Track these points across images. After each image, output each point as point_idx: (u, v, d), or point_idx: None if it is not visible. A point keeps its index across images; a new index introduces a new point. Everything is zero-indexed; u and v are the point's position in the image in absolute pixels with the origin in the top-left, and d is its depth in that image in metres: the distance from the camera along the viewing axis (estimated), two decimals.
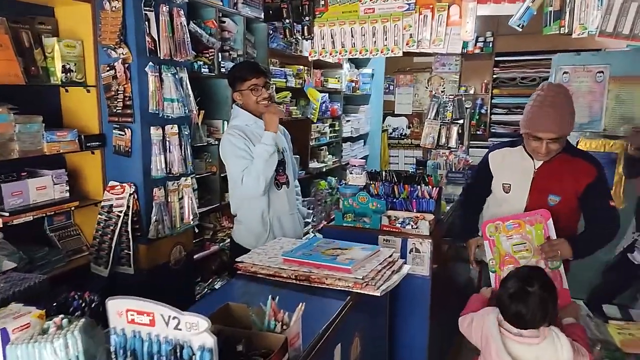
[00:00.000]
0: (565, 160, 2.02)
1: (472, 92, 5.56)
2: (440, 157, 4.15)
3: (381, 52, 2.10)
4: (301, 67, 3.87)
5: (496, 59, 5.44)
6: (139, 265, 2.36)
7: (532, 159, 2.07)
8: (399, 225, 2.38)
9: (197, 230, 2.89)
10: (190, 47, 2.43)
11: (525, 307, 1.54)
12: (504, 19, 2.01)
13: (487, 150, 2.39)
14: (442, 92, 5.57)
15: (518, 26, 1.78)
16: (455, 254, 2.91)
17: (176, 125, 2.46)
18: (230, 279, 1.78)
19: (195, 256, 2.83)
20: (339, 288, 1.61)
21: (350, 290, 1.59)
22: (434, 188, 2.55)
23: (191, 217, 2.54)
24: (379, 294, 1.58)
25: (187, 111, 2.45)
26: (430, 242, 2.27)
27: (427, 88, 5.90)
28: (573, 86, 3.78)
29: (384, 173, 2.73)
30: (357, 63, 5.25)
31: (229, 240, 2.71)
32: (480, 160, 2.40)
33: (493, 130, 5.62)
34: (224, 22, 2.93)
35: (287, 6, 2.26)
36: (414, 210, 2.49)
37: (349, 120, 5.03)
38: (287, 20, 2.27)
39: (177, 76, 2.42)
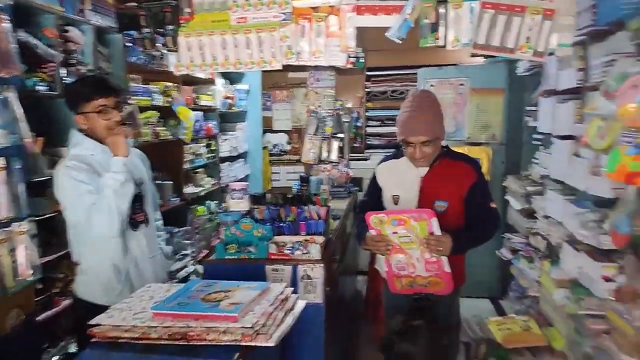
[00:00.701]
0: (448, 164, 2.06)
1: (348, 106, 5.68)
2: (322, 172, 4.11)
3: (257, 64, 1.90)
4: (169, 83, 3.49)
5: (367, 73, 5.66)
6: None
7: (416, 168, 2.08)
8: (288, 251, 2.20)
9: (40, 286, 2.35)
10: (18, 60, 1.96)
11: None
12: (373, 35, 1.98)
13: (365, 161, 2.39)
14: (319, 107, 5.60)
15: (397, 38, 1.74)
16: (344, 270, 2.83)
17: (2, 159, 1.95)
18: (79, 350, 1.40)
19: (40, 317, 2.29)
20: (224, 343, 1.35)
21: (239, 344, 1.34)
22: (322, 207, 2.43)
23: (30, 271, 2.03)
24: (273, 344, 1.35)
25: (16, 139, 1.96)
26: (322, 266, 2.13)
27: (303, 103, 5.89)
28: (439, 98, 4.00)
29: (268, 195, 2.53)
30: (232, 79, 5.00)
31: None
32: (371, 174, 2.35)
33: (369, 142, 5.81)
34: (68, 31, 2.46)
35: (145, 14, 1.93)
36: (303, 233, 2.34)
37: (226, 139, 4.74)
38: (147, 30, 1.95)
39: (0, 96, 1.93)
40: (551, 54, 1.74)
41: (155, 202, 2.21)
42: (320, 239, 2.27)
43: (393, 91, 5.64)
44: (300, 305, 1.65)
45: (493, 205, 2.10)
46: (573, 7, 1.67)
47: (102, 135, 1.84)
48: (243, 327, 1.37)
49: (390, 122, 5.74)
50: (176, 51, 1.94)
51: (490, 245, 3.71)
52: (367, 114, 5.76)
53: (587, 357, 2.13)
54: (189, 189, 3.96)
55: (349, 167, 4.33)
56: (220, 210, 4.43)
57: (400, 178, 2.13)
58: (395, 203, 2.14)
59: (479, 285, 4.05)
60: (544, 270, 2.74)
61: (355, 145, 5.72)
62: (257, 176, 5.46)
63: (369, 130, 5.80)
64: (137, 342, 1.37)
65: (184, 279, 3.64)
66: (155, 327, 1.40)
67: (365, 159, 5.34)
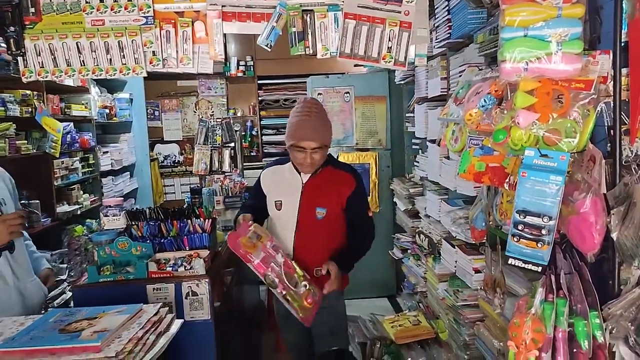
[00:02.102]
0: (330, 172, 2.10)
1: (240, 114, 5.61)
2: (215, 182, 3.99)
3: (120, 71, 1.77)
4: (28, 91, 3.13)
5: (259, 82, 5.63)
6: None
7: (300, 174, 2.10)
8: (170, 268, 2.09)
9: None
10: None
11: None
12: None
13: (259, 170, 2.37)
14: (211, 115, 5.46)
15: (266, 45, 1.74)
16: (240, 280, 2.76)
17: None
18: None
19: None
20: None
21: None
22: (207, 220, 2.34)
23: None
24: None
25: None
26: (207, 281, 2.05)
27: (195, 112, 5.70)
28: (327, 106, 4.11)
29: (147, 210, 2.38)
30: (110, 87, 4.66)
31: None
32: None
33: (266, 151, 5.79)
34: None
35: None
36: (187, 248, 2.23)
37: (107, 152, 4.39)
38: None
39: None
40: (412, 63, 1.86)
41: None
42: (205, 252, 2.18)
43: (285, 100, 5.68)
44: (177, 324, 1.56)
45: (370, 213, 2.16)
46: (426, 20, 1.81)
47: None
48: (106, 356, 1.26)
49: (285, 130, 5.77)
50: (21, 55, 1.74)
51: (383, 245, 3.91)
52: (261, 122, 5.74)
53: (466, 345, 2.30)
54: (62, 208, 3.58)
55: (243, 177, 4.26)
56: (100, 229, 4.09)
57: (284, 184, 2.13)
58: (278, 209, 2.13)
59: (376, 285, 4.23)
60: (428, 266, 2.92)
61: (252, 154, 5.67)
62: (146, 190, 5.15)
63: (265, 138, 5.78)
64: None
65: (63, 306, 3.28)
66: None
67: (262, 168, 5.30)
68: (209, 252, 2.20)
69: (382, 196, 4.12)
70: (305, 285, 1.96)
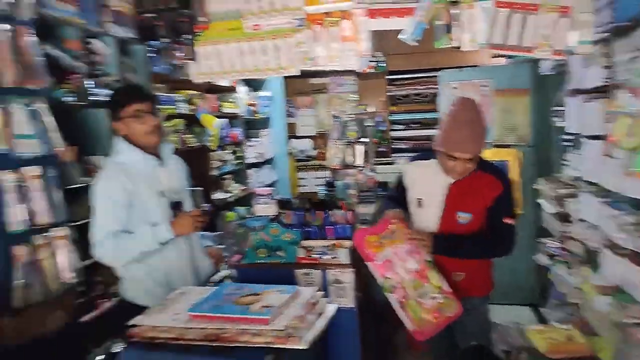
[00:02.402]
0: (478, 176, 1.99)
1: (372, 110, 5.66)
2: (349, 176, 4.12)
3: (275, 70, 1.93)
4: (193, 92, 3.58)
5: (389, 77, 5.63)
6: (3, 344, 1.88)
7: (446, 175, 2.01)
8: (317, 255, 2.22)
9: (83, 288, 2.43)
10: (45, 73, 2.05)
11: None
12: (393, 38, 1.97)
13: (391, 165, 2.35)
14: (342, 112, 5.61)
15: (412, 41, 1.73)
16: (371, 273, 2.81)
17: (38, 167, 2.04)
18: (121, 347, 1.44)
19: (83, 318, 2.37)
20: (256, 345, 1.38)
21: (271, 346, 1.37)
22: (348, 212, 2.44)
23: (71, 274, 2.11)
24: (305, 347, 1.37)
25: (48, 148, 2.05)
26: (351, 270, 2.14)
27: (327, 109, 5.92)
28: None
29: (295, 200, 2.57)
30: (254, 86, 5.07)
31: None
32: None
33: (394, 147, 5.78)
34: (90, 43, 2.55)
35: (163, 24, 1.99)
36: (331, 237, 2.36)
37: (251, 146, 4.81)
38: (166, 40, 2.01)
39: (30, 107, 2.01)
40: (572, 52, 1.70)
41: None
42: (348, 243, 2.28)
43: (416, 94, 5.60)
44: (332, 308, 1.67)
45: (509, 221, 1.98)
46: (588, 3, 1.63)
47: (140, 140, 1.88)
48: (274, 329, 1.40)
49: (415, 125, 5.70)
50: (193, 60, 1.99)
51: (526, 249, 3.63)
52: (391, 117, 5.74)
53: None
54: (217, 195, 4.03)
55: (375, 172, 4.33)
56: (250, 216, 4.49)
57: (428, 182, 2.05)
58: (419, 206, 2.08)
59: (517, 291, 3.92)
60: (584, 276, 2.63)
61: (380, 149, 5.70)
62: (284, 182, 5.51)
63: (394, 134, 5.77)
64: (174, 342, 1.41)
65: (220, 282, 3.69)
66: (191, 328, 1.44)
67: (391, 163, 5.33)
68: (351, 242, 2.29)
69: (524, 197, 3.85)
70: (435, 298, 1.88)
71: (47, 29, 2.26)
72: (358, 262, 2.24)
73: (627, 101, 1.40)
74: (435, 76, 4.84)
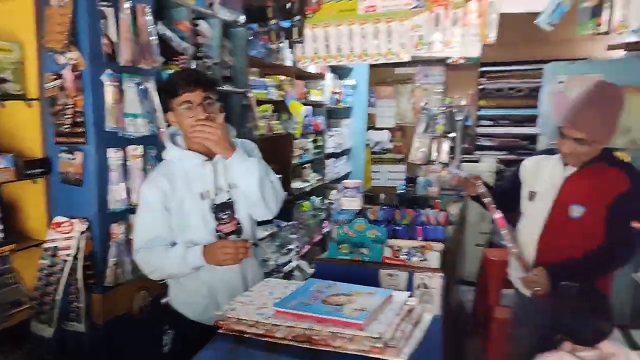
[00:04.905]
0: (601, 169, 1.79)
1: (462, 103, 5.35)
2: (431, 172, 3.90)
3: (385, 56, 1.79)
4: (283, 77, 3.53)
5: (481, 69, 5.27)
6: (93, 320, 1.93)
7: (565, 167, 1.86)
8: (404, 256, 2.07)
9: None
10: (158, 53, 2.06)
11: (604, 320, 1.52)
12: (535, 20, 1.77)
13: (475, 163, 2.19)
14: (426, 104, 5.36)
15: (548, 24, 1.52)
16: (454, 279, 2.64)
17: (141, 147, 2.05)
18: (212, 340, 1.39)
19: (163, 300, 2.41)
20: (350, 352, 1.26)
21: (366, 355, 1.25)
22: (442, 212, 2.27)
23: None
24: None
25: (154, 129, 2.06)
26: (441, 276, 1.97)
27: (409, 100, 5.69)
28: (571, 96, 3.58)
29: (382, 195, 2.43)
30: (340, 74, 4.96)
31: None
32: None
33: (478, 144, 5.43)
34: (197, 24, 2.56)
35: (272, 5, 1.92)
36: (420, 238, 2.20)
37: (332, 135, 4.71)
38: (273, 22, 1.93)
39: (141, 87, 2.02)
40: None
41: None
42: (440, 245, 2.11)
43: (510, 88, 5.20)
44: (427, 318, 1.52)
45: (638, 224, 1.76)
46: None
47: (188, 134, 1.64)
48: (370, 337, 1.27)
49: (505, 121, 5.31)
50: (301, 42, 1.90)
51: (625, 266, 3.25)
52: (478, 112, 5.39)
53: None
54: (296, 184, 3.99)
55: (461, 169, 4.06)
56: (324, 207, 4.42)
57: (545, 174, 1.94)
58: (530, 199, 1.96)
59: None
60: None
61: (464, 145, 5.39)
62: (359, 174, 5.38)
63: (480, 130, 5.42)
64: (261, 339, 1.34)
65: (288, 274, 3.67)
66: (279, 325, 1.36)
67: (476, 161, 5.00)
68: (443, 245, 2.12)
69: None
70: None
71: (160, 8, 2.28)
72: (447, 267, 2.07)
73: None
74: (536, 69, 4.46)
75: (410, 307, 1.49)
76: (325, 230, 4.36)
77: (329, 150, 4.63)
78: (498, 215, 1.89)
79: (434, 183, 3.75)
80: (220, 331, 1.37)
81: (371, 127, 5.80)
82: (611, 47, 3.97)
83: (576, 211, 1.80)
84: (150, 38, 1.99)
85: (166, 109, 1.67)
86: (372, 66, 5.13)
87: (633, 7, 1.46)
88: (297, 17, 1.84)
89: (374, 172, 5.87)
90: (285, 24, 2.00)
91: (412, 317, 1.46)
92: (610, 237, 1.79)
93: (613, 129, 1.76)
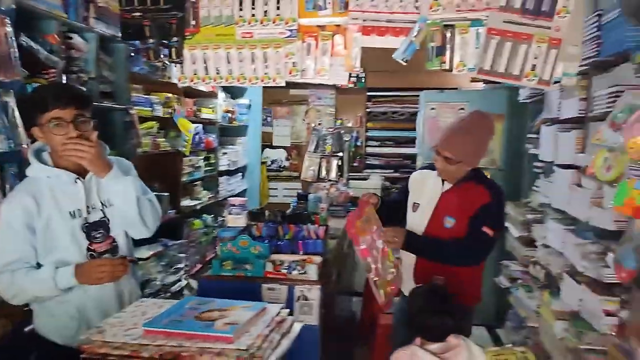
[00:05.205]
0: (470, 186, 2.05)
1: (349, 124, 5.69)
2: (321, 190, 4.08)
3: (262, 80, 1.89)
4: (170, 95, 3.48)
5: (368, 94, 5.68)
6: None
7: (443, 183, 2.10)
8: (285, 270, 2.17)
9: None
10: (18, 65, 1.94)
11: (449, 318, 1.69)
12: (374, 55, 2.00)
13: (364, 181, 2.38)
14: (319, 124, 5.62)
15: (402, 60, 1.74)
16: (339, 290, 2.78)
17: None
18: None
19: (28, 327, 2.22)
20: None
21: None
22: (321, 227, 2.40)
23: None
24: None
25: (13, 145, 1.92)
26: (319, 287, 2.09)
27: (304, 120, 5.91)
28: (440, 121, 4.02)
29: (267, 212, 2.50)
30: (233, 93, 5.01)
31: None
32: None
33: (368, 162, 5.80)
34: (71, 38, 2.45)
35: (150, 24, 1.92)
36: (301, 252, 2.31)
37: (225, 153, 4.72)
38: (151, 41, 1.93)
39: None
40: (556, 82, 1.74)
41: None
42: (318, 259, 2.23)
43: (393, 112, 5.66)
44: (297, 328, 1.61)
45: (487, 230, 2.00)
46: (579, 37, 1.68)
47: (58, 153, 1.56)
48: (238, 349, 1.32)
49: (390, 142, 5.75)
50: (180, 63, 1.93)
51: (488, 271, 3.67)
52: (367, 133, 5.77)
53: None
54: (186, 202, 3.92)
55: (348, 187, 4.31)
56: (217, 225, 4.38)
57: (426, 188, 2.15)
58: (414, 210, 2.16)
59: (476, 312, 4.00)
60: (543, 300, 2.69)
61: (353, 164, 5.72)
62: (255, 191, 5.43)
63: (369, 150, 5.80)
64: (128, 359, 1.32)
65: (177, 293, 3.57)
66: (147, 345, 1.35)
67: (364, 179, 5.33)
68: (321, 258, 2.25)
69: None
70: (393, 272, 2.02)
71: (25, 19, 2.15)
72: (324, 279, 2.19)
73: (607, 135, 1.41)
74: (414, 95, 4.92)
75: (281, 319, 1.58)
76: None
77: (222, 168, 4.63)
78: (363, 246, 2.03)
79: (323, 200, 3.93)
80: (84, 356, 1.33)
81: (268, 145, 5.92)
82: (473, 80, 4.54)
83: (448, 222, 2.03)
84: (11, 50, 1.87)
85: (32, 124, 1.57)
86: (266, 87, 5.26)
87: (469, 50, 1.74)
88: (176, 39, 1.87)
89: (271, 189, 5.97)
90: (172, 43, 2.01)
91: (282, 327, 1.54)
92: (468, 237, 2.02)
93: (481, 152, 2.04)
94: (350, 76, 6.14)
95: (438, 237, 2.04)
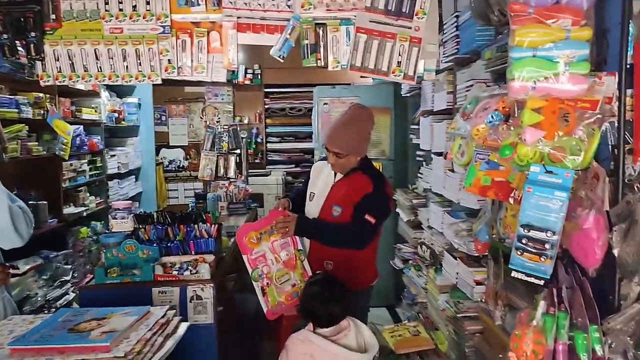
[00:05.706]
0: (357, 177, 2.17)
1: (246, 121, 5.66)
2: (220, 188, 4.02)
3: (136, 78, 1.81)
4: (41, 94, 3.18)
5: (265, 90, 5.69)
6: None
7: (335, 174, 2.21)
8: (176, 272, 2.12)
9: None
10: None
11: (337, 305, 1.79)
12: (268, 52, 2.02)
13: (266, 177, 2.42)
14: (217, 122, 5.51)
15: (279, 57, 1.78)
16: (242, 286, 2.78)
17: None
18: None
19: None
20: None
21: None
22: (213, 225, 2.37)
23: None
24: None
25: None
26: (212, 286, 2.08)
27: (201, 118, 5.76)
28: (333, 115, 4.17)
29: (155, 214, 2.41)
30: (120, 91, 4.72)
31: None
32: None
33: (270, 158, 5.83)
34: None
35: (2, 18, 1.74)
36: (193, 252, 2.26)
37: (114, 155, 4.43)
38: (5, 36, 1.75)
39: None
40: (421, 77, 1.90)
41: None
42: (211, 257, 2.21)
43: (291, 108, 5.73)
44: (183, 327, 1.59)
45: (369, 218, 2.11)
46: (436, 36, 1.86)
47: None
48: (115, 357, 1.28)
49: (290, 138, 5.82)
50: (41, 60, 1.78)
51: (384, 255, 3.91)
52: (267, 130, 5.78)
53: (465, 357, 2.31)
54: (69, 209, 3.62)
55: (248, 184, 4.29)
56: (107, 231, 4.12)
57: (321, 178, 2.26)
58: (310, 199, 2.25)
59: (376, 294, 4.20)
60: (429, 277, 2.94)
61: (256, 161, 5.71)
62: (151, 194, 5.19)
63: (270, 146, 5.82)
64: None
65: (65, 307, 3.30)
66: None
67: (266, 175, 5.35)
68: (214, 257, 2.23)
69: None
70: (295, 285, 2.14)
71: None
72: (219, 277, 2.18)
73: (460, 124, 1.59)
74: (310, 91, 5.02)
75: (165, 321, 1.55)
76: None
77: (112, 171, 4.34)
78: (254, 256, 2.09)
79: (222, 198, 3.88)
80: None
81: (165, 145, 5.68)
82: (363, 75, 4.75)
83: (335, 211, 2.13)
84: None
85: None
86: (158, 84, 5.03)
87: (341, 47, 1.83)
88: (33, 34, 1.72)
89: (170, 190, 5.74)
90: (30, 38, 1.84)
91: (166, 329, 1.52)
92: (352, 223, 2.12)
93: (365, 141, 2.14)
94: (246, 72, 6.05)
95: (327, 222, 2.14)
